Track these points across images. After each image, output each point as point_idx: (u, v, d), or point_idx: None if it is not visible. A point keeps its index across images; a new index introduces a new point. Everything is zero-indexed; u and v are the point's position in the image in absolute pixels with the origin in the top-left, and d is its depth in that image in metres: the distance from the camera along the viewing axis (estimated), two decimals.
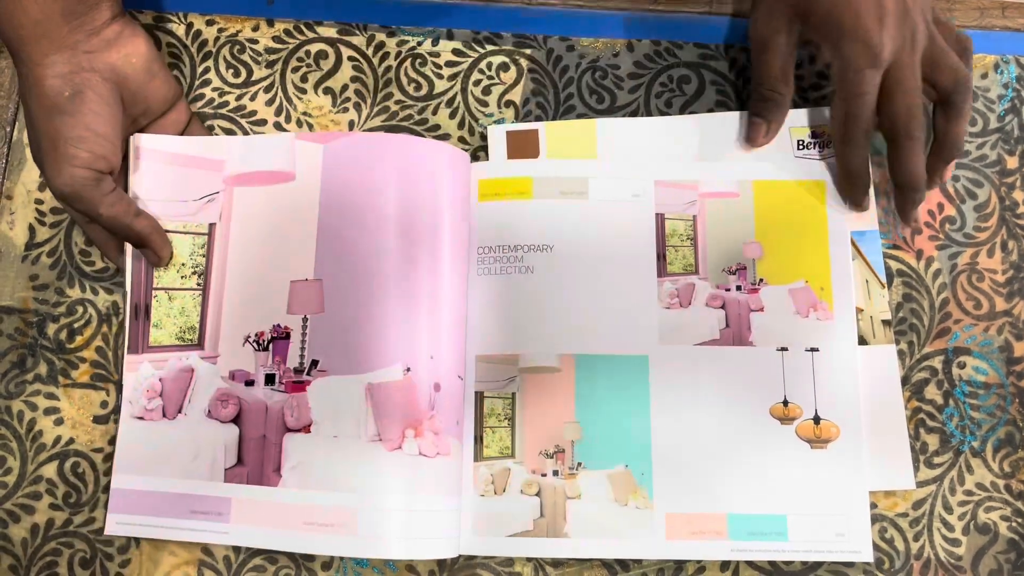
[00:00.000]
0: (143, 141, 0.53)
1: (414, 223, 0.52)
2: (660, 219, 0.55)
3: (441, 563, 0.52)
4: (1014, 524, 0.53)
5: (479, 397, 0.53)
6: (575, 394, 0.52)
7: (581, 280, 0.54)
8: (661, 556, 0.51)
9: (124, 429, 0.52)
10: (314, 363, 0.51)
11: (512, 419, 0.52)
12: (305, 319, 0.52)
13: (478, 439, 0.52)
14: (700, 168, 0.55)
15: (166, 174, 0.53)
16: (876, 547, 0.52)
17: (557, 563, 0.52)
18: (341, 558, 0.52)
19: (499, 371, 0.53)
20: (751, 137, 0.55)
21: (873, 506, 0.53)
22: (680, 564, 0.52)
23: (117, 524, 0.51)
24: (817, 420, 0.52)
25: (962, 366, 0.54)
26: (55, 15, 0.48)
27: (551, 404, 0.52)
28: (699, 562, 0.52)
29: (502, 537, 0.51)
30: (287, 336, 0.52)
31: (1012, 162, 0.57)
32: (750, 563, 0.52)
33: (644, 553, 0.51)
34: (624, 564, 0.52)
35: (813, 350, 0.53)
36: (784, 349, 0.53)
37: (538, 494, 0.52)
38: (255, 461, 0.51)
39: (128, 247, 0.53)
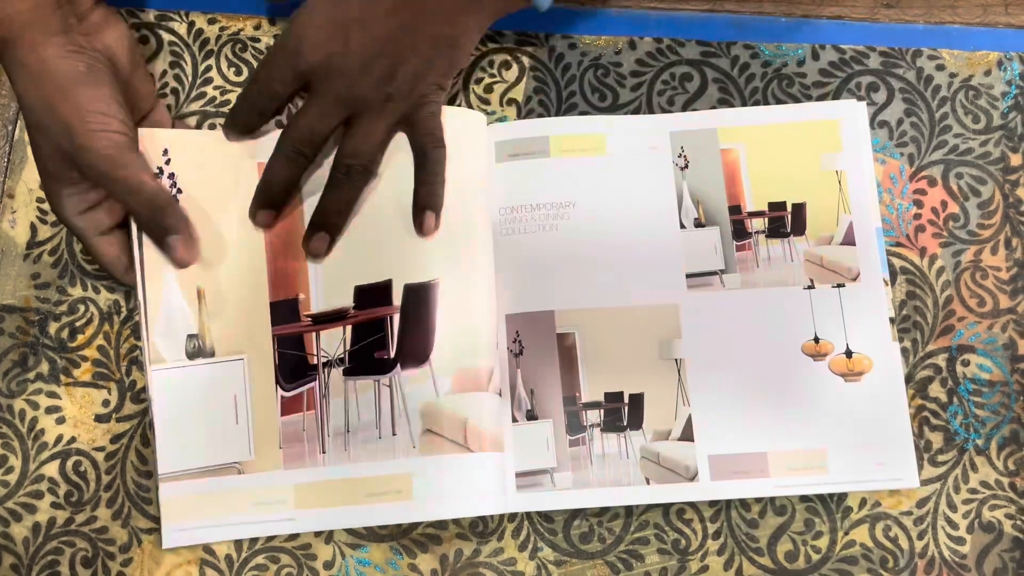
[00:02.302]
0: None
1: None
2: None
3: (443, 562, 0.52)
4: (1019, 522, 0.52)
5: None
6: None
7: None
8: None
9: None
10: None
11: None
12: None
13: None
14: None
15: None
16: (880, 545, 0.52)
17: (559, 562, 0.52)
18: (343, 555, 0.52)
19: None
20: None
21: (876, 504, 0.52)
22: (684, 562, 0.52)
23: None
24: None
25: (966, 364, 0.54)
26: (47, 2, 0.47)
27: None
28: (703, 559, 0.52)
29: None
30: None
31: (1016, 159, 0.57)
32: (751, 559, 0.52)
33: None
34: (627, 564, 0.52)
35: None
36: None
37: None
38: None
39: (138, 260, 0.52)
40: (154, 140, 0.53)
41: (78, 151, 0.48)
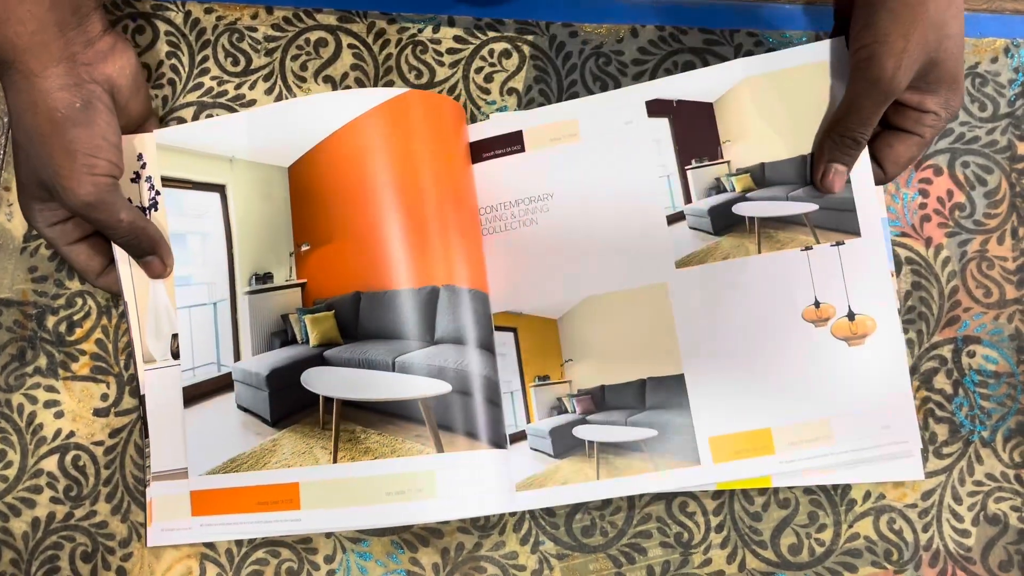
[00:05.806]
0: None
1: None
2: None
3: (445, 556, 0.52)
4: None
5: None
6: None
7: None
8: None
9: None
10: None
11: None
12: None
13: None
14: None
15: None
16: (884, 538, 0.52)
17: (561, 556, 0.52)
18: (344, 549, 0.52)
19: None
20: (835, 187, 0.51)
21: (881, 497, 0.52)
22: (687, 555, 0.51)
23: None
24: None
25: (972, 355, 0.54)
26: (51, 26, 0.46)
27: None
28: (706, 552, 0.51)
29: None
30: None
31: (1023, 148, 0.56)
32: (754, 552, 0.51)
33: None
34: (629, 557, 0.52)
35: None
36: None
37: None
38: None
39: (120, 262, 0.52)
40: (129, 146, 0.52)
41: (61, 189, 0.47)
